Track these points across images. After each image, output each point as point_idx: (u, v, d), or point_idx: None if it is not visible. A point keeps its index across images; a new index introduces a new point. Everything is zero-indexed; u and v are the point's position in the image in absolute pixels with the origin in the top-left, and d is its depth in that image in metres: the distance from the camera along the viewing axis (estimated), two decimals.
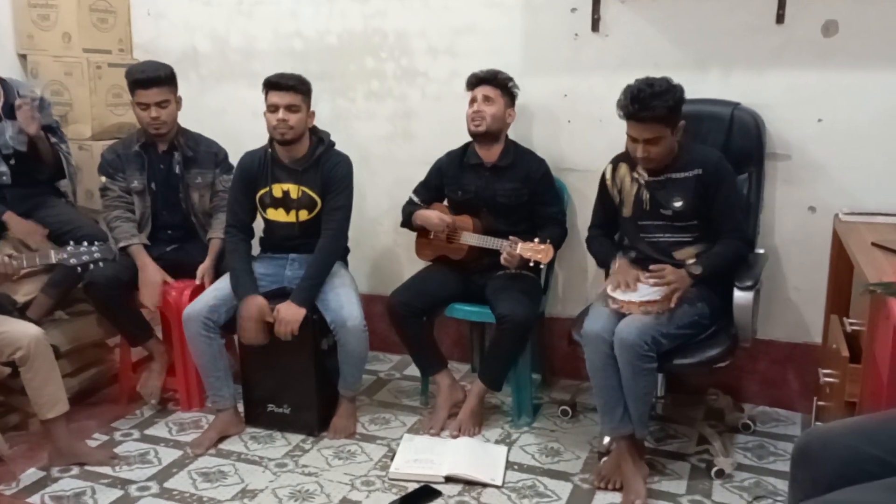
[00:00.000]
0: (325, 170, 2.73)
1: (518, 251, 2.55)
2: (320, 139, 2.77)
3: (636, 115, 2.29)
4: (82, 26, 3.30)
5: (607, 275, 2.52)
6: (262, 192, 2.77)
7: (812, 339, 2.78)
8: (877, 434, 1.28)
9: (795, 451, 1.36)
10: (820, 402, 2.29)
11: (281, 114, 2.62)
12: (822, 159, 2.64)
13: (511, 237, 2.60)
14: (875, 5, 2.48)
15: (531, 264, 2.56)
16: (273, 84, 2.66)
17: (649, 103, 2.25)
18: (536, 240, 2.55)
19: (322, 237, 2.72)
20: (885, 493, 1.13)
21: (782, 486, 2.34)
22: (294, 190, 2.74)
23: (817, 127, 2.63)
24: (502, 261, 2.61)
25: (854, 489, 1.18)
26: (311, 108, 2.74)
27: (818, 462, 1.30)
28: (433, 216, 2.81)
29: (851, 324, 2.11)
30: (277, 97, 2.64)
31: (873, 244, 2.13)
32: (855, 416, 1.69)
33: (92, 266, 2.48)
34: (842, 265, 2.50)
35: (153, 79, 2.81)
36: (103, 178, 2.94)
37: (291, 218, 2.77)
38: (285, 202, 2.76)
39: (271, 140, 2.74)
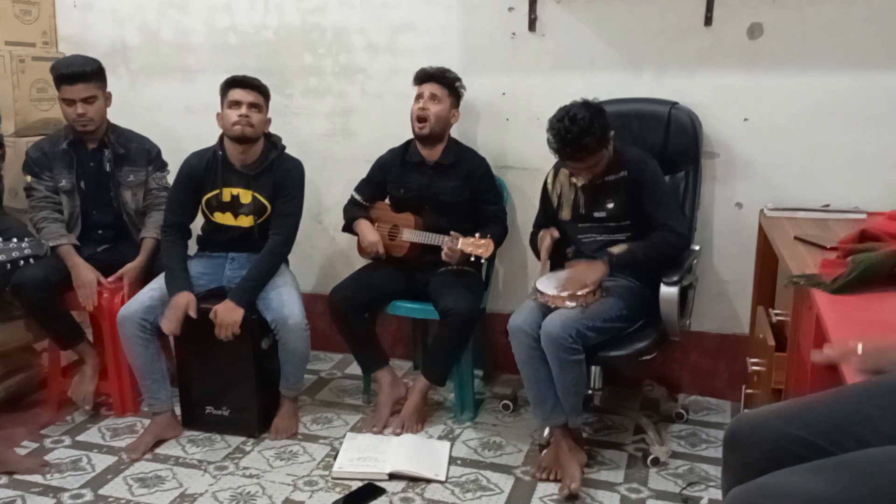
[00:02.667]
0: (277, 175, 2.71)
1: (459, 246, 2.57)
2: (273, 144, 2.75)
3: (573, 157, 2.35)
4: (4, 18, 3.17)
5: (551, 268, 2.56)
6: (209, 194, 2.71)
7: (741, 330, 2.89)
8: (801, 417, 1.34)
9: (726, 436, 1.42)
10: (748, 390, 2.38)
11: (244, 109, 2.60)
12: (749, 157, 2.75)
13: (452, 233, 2.62)
14: (797, 10, 2.59)
15: (472, 259, 2.59)
16: (237, 82, 2.65)
17: (580, 142, 2.29)
18: (477, 235, 2.57)
19: (270, 240, 2.70)
20: (811, 475, 1.19)
21: (714, 471, 2.43)
22: (245, 195, 2.70)
23: (744, 126, 2.73)
24: (443, 256, 2.63)
25: (781, 473, 1.23)
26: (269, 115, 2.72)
27: (748, 445, 1.35)
28: (368, 238, 2.79)
29: (777, 314, 2.20)
30: (241, 94, 2.62)
31: (796, 238, 2.23)
32: (781, 402, 1.77)
33: (22, 263, 2.37)
34: (767, 259, 2.60)
35: (78, 74, 2.72)
36: (29, 178, 2.83)
37: (238, 222, 2.73)
38: (233, 206, 2.72)
39: (222, 141, 2.70)
